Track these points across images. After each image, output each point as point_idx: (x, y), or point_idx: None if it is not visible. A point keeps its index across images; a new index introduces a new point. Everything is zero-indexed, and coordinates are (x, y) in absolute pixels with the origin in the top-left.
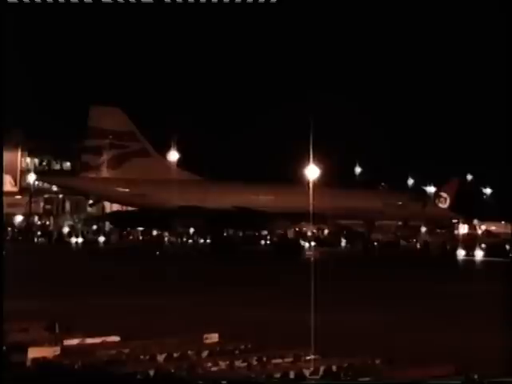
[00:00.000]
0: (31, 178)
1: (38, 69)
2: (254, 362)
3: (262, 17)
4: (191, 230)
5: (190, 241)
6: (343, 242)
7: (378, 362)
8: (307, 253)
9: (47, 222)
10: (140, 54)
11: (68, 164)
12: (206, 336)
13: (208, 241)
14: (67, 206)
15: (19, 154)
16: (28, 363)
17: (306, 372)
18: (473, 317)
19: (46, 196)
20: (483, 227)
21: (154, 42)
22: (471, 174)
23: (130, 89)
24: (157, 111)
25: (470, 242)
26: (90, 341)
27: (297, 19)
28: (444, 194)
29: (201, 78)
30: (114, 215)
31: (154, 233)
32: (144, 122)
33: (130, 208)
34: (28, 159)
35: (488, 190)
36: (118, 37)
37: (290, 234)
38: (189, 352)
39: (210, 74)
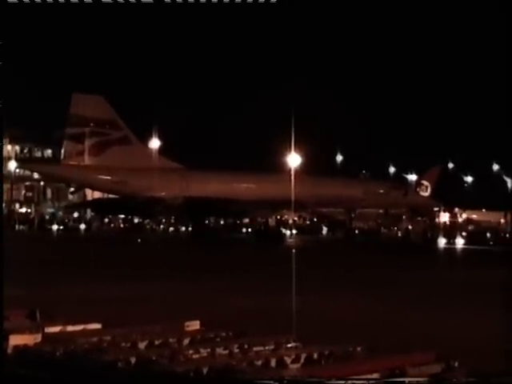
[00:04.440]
0: (12, 165)
1: (20, 57)
2: (236, 350)
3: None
4: (172, 218)
5: (172, 228)
6: (324, 230)
7: (359, 349)
8: (288, 240)
9: (28, 210)
10: (124, 43)
11: (49, 151)
12: (187, 324)
13: (189, 228)
14: (48, 193)
15: None
16: (9, 350)
17: (288, 360)
18: (456, 303)
19: (27, 183)
20: (464, 215)
21: (138, 32)
22: (452, 162)
23: (112, 77)
24: (139, 99)
25: (450, 230)
26: (71, 328)
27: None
28: (425, 182)
29: (185, 67)
30: (95, 203)
31: (136, 220)
32: (126, 110)
33: (111, 195)
34: (9, 147)
35: (469, 178)
36: (100, 26)
37: (272, 221)
38: (170, 339)
39: (194, 63)
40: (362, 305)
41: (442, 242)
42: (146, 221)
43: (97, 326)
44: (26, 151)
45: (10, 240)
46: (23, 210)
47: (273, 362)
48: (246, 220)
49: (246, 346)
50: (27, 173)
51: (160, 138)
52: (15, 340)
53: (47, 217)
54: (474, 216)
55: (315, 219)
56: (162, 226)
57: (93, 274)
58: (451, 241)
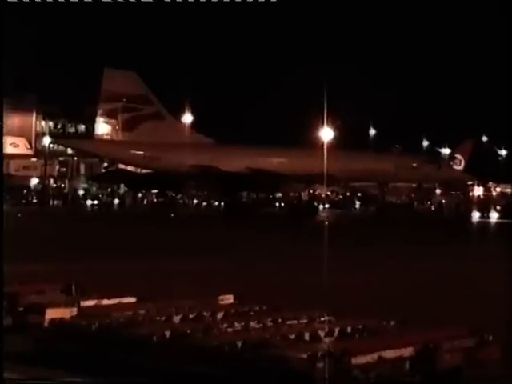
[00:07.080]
0: (46, 140)
1: (51, 33)
2: (269, 324)
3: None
4: (205, 193)
5: (204, 203)
6: (357, 205)
7: (392, 323)
8: (321, 215)
9: (62, 185)
10: (154, 17)
11: (83, 127)
12: (221, 297)
13: (222, 203)
14: (82, 168)
15: (34, 117)
16: (45, 324)
17: (321, 333)
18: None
19: (60, 159)
20: (498, 189)
21: (167, 9)
22: (486, 135)
23: (144, 52)
24: (171, 74)
25: (484, 204)
26: (106, 302)
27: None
28: (459, 156)
29: (215, 41)
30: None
31: (168, 195)
32: (158, 84)
33: (144, 170)
34: (43, 122)
35: (503, 152)
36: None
37: (305, 196)
38: (204, 313)
39: (224, 38)
40: (394, 278)
41: (475, 215)
42: (179, 196)
43: (131, 299)
44: (59, 127)
45: (50, 215)
46: (57, 185)
47: (306, 336)
48: (279, 194)
49: (279, 320)
50: (61, 148)
51: (192, 112)
52: (51, 314)
53: (81, 192)
54: (508, 190)
55: (348, 194)
56: (194, 201)
57: (127, 249)
58: (485, 215)
